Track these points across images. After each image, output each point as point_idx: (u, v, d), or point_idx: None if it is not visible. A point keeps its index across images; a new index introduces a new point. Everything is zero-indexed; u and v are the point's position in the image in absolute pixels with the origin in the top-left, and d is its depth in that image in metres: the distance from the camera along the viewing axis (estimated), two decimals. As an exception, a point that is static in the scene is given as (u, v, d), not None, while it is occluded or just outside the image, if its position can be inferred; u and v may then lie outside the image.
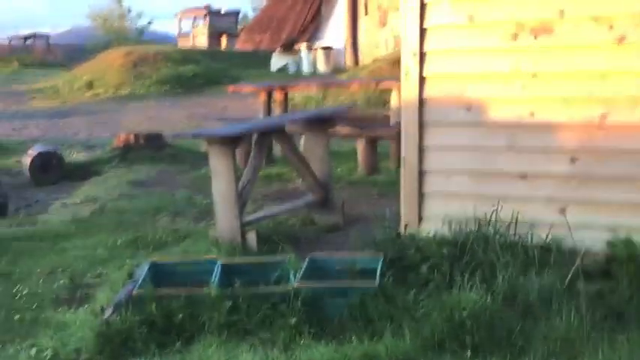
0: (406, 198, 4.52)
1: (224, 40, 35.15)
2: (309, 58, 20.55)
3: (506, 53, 4.27)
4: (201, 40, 35.09)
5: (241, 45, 22.86)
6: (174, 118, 13.08)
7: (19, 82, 22.36)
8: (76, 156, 9.11)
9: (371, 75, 14.70)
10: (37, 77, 23.65)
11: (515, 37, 4.22)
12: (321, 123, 5.68)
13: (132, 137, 8.74)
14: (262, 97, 8.01)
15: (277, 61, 21.94)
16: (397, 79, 10.07)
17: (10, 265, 5.02)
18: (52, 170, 8.02)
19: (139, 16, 46.24)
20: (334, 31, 20.90)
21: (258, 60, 24.02)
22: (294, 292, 3.75)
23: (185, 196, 6.81)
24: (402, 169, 4.54)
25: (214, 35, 35.83)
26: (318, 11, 20.97)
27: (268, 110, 8.04)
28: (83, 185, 7.75)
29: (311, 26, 21.00)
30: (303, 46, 20.66)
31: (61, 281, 4.65)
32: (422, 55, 4.44)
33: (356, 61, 20.61)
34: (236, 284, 3.81)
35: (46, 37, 37.32)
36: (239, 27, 38.50)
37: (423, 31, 4.44)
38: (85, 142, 10.50)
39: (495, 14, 4.28)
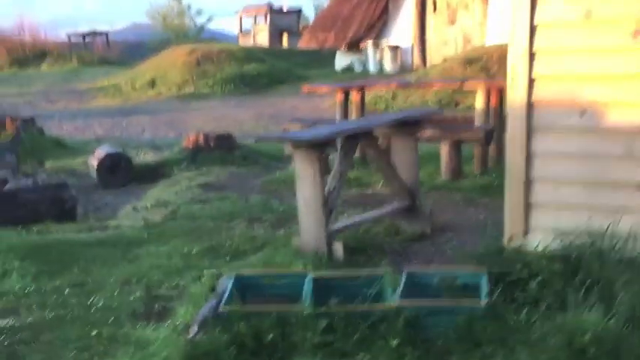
0: (511, 208, 4.22)
1: (285, 39, 35.18)
2: (376, 56, 20.27)
3: (627, 53, 3.95)
4: (262, 39, 35.18)
5: (305, 43, 22.73)
6: (241, 118, 12.98)
7: (79, 80, 22.66)
8: (143, 157, 9.04)
9: (441, 75, 14.35)
10: (97, 75, 23.94)
11: (636, 34, 3.90)
12: (409, 125, 5.42)
13: (201, 138, 8.62)
14: (339, 97, 7.79)
15: (342, 60, 21.73)
16: (476, 78, 9.77)
17: (82, 273, 4.89)
18: (121, 172, 7.95)
19: (199, 13, 46.56)
20: (401, 30, 20.57)
21: (322, 59, 23.89)
22: (396, 310, 3.51)
23: (260, 200, 6.63)
24: (506, 177, 4.25)
25: (275, 33, 35.90)
26: (385, 9, 20.68)
27: (345, 111, 7.81)
28: (152, 188, 7.65)
29: (377, 24, 20.72)
30: (369, 45, 20.40)
31: (137, 293, 4.49)
32: (531, 55, 4.14)
33: (424, 60, 20.24)
34: (331, 301, 3.59)
35: (106, 34, 37.86)
36: (300, 25, 38.57)
37: (532, 28, 4.14)
38: (150, 143, 10.45)
39: (615, 9, 3.96)
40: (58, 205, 6.21)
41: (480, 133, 6.60)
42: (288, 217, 6.09)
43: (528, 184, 4.15)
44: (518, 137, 4.16)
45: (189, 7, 45.72)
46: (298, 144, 4.69)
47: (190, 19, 46.02)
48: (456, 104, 13.57)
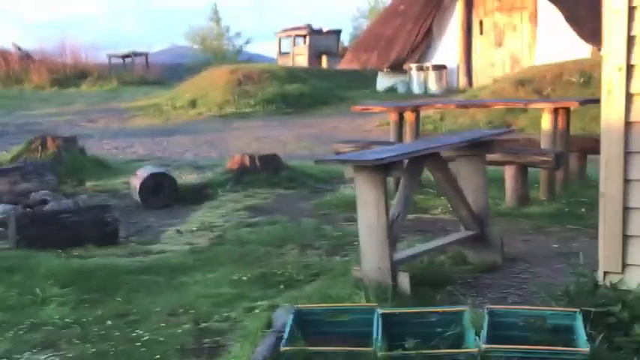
0: (606, 240, 3.77)
1: (324, 60, 35.03)
2: (420, 77, 19.87)
3: None
4: (301, 60, 35.05)
5: (347, 64, 22.41)
6: (283, 138, 12.66)
7: (118, 99, 22.64)
8: (185, 178, 8.73)
9: (492, 96, 13.87)
10: (136, 95, 23.95)
11: None
12: (479, 147, 5.01)
13: (246, 159, 8.29)
14: (393, 117, 7.41)
15: (384, 80, 21.37)
16: (535, 98, 9.24)
17: (125, 303, 4.55)
18: (164, 193, 7.64)
19: (237, 35, 46.87)
20: (446, 51, 20.16)
21: (363, 79, 23.55)
22: (481, 355, 3.10)
23: (312, 225, 6.26)
24: (600, 206, 3.80)
25: (315, 55, 35.79)
26: (429, 30, 20.29)
27: (399, 132, 7.42)
28: (196, 210, 7.33)
29: (421, 45, 20.33)
30: (413, 66, 20.01)
31: (185, 325, 4.14)
32: (629, 69, 3.71)
33: (469, 82, 19.79)
34: (407, 342, 3.18)
35: (145, 55, 38.11)
36: (340, 47, 38.44)
37: (630, 40, 3.71)
38: (192, 163, 10.16)
39: None
40: (99, 227, 5.90)
41: (551, 156, 6.15)
42: (343, 244, 5.71)
43: (626, 213, 3.70)
44: (614, 161, 3.71)
45: (227, 29, 46.10)
46: (362, 166, 4.31)
47: (229, 41, 46.43)
48: (508, 126, 13.09)
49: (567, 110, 6.94)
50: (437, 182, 5.04)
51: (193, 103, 17.72)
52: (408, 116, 7.52)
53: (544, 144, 6.74)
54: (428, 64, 20.07)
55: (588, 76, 13.54)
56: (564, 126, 6.88)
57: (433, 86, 19.65)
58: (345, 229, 6.10)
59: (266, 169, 8.25)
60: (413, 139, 7.48)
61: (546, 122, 6.77)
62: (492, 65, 19.61)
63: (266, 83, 17.45)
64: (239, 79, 17.64)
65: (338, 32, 38.83)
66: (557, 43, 18.15)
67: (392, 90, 20.79)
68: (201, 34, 44.67)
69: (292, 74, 18.84)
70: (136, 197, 7.72)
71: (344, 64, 22.67)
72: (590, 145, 7.30)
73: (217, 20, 45.52)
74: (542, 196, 6.74)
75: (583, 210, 6.34)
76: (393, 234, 4.44)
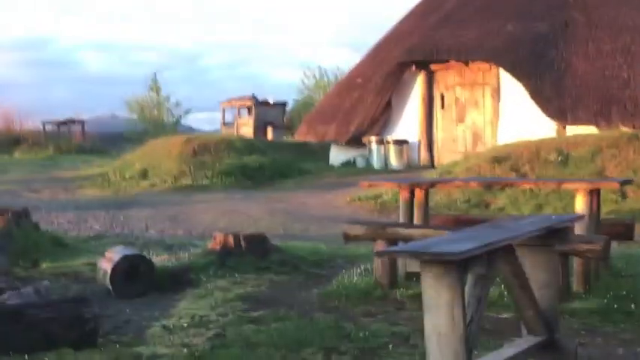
0: None
1: (270, 132, 34.47)
2: (380, 152, 19.35)
3: None
4: (246, 131, 34.36)
5: (302, 136, 21.79)
6: (253, 214, 11.77)
7: (58, 168, 21.47)
8: (157, 259, 7.71)
9: (467, 173, 13.34)
10: (76, 163, 22.81)
11: None
12: (550, 236, 4.26)
13: (230, 239, 7.35)
14: (404, 195, 6.63)
15: (340, 154, 20.79)
16: (567, 178, 8.55)
17: None
18: (139, 279, 6.61)
19: (177, 105, 46.16)
20: (407, 125, 19.77)
21: (312, 152, 23.02)
22: None
23: (328, 322, 5.33)
24: None
25: (260, 126, 35.24)
26: (389, 103, 19.90)
27: (410, 212, 6.65)
28: (179, 300, 6.31)
29: (381, 119, 19.89)
30: (373, 140, 19.51)
31: None
32: None
33: (431, 157, 19.38)
34: None
35: (82, 122, 36.94)
36: (285, 118, 38.02)
37: None
38: (160, 241, 9.14)
39: None
40: (76, 326, 4.85)
41: (599, 245, 5.44)
42: (375, 347, 4.81)
43: None
44: None
45: (167, 98, 45.35)
46: (432, 261, 3.48)
47: (168, 111, 45.61)
48: (487, 205, 12.55)
49: (599, 192, 6.32)
50: (504, 277, 4.24)
51: (144, 174, 16.72)
52: (417, 194, 6.76)
53: (578, 229, 6.04)
54: (389, 138, 19.61)
55: (566, 155, 13.19)
56: (597, 209, 6.24)
57: (394, 161, 19.16)
58: (370, 327, 5.21)
59: (253, 251, 7.32)
60: (422, 221, 6.73)
61: (581, 205, 6.10)
62: (454, 141, 19.29)
63: (223, 154, 16.61)
64: (194, 150, 16.74)
65: (284, 104, 38.49)
66: (520, 119, 17.95)
67: (349, 164, 20.21)
68: (140, 102, 43.77)
69: (250, 145, 18.08)
70: (106, 283, 6.66)
71: (299, 136, 22.05)
72: (618, 231, 6.70)
73: (157, 89, 44.72)
74: (577, 288, 6.02)
75: (633, 306, 5.64)
76: (470, 345, 3.60)
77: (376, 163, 19.35)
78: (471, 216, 8.31)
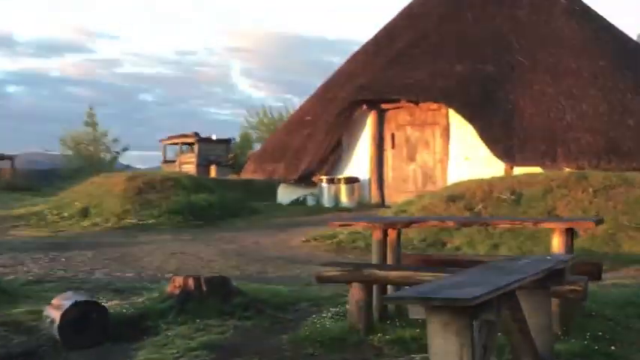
0: None
1: (213, 169, 34.01)
2: (331, 191, 19.16)
3: None
4: (188, 169, 33.87)
5: (250, 174, 21.44)
6: (205, 255, 11.34)
7: (-15, 206, 20.50)
8: (108, 305, 7.24)
9: (423, 212, 13.22)
10: (7, 202, 21.85)
11: None
12: (546, 278, 4.06)
13: (190, 282, 6.95)
14: (377, 235, 6.38)
15: (288, 192, 20.53)
16: (543, 217, 8.40)
17: None
18: (92, 328, 6.15)
19: (115, 142, 45.37)
20: (357, 163, 19.68)
21: (258, 191, 22.71)
22: None
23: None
24: None
25: (203, 164, 34.77)
26: (339, 142, 19.78)
27: (383, 253, 6.38)
28: (138, 350, 5.88)
29: (332, 157, 19.73)
30: (324, 178, 19.31)
31: None
32: None
33: (382, 196, 19.27)
34: None
35: (11, 158, 35.85)
36: (229, 155, 37.64)
37: None
38: (108, 285, 8.63)
39: None
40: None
41: (581, 285, 5.27)
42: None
43: None
44: None
45: (105, 134, 44.53)
46: (440, 308, 3.22)
47: (105, 147, 44.78)
48: (443, 244, 12.42)
49: (573, 231, 6.20)
50: (504, 322, 4.01)
51: (85, 213, 16.07)
52: (390, 234, 6.52)
53: (555, 270, 5.88)
54: (339, 176, 19.44)
55: (519, 194, 13.21)
56: (569, 248, 6.11)
57: (345, 199, 18.98)
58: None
59: (214, 295, 6.92)
60: (395, 262, 6.49)
61: (557, 244, 5.95)
62: (404, 180, 19.25)
63: (170, 192, 16.12)
64: (139, 187, 16.21)
65: (227, 141, 38.15)
66: (470, 159, 18.05)
67: (298, 203, 19.96)
68: (74, 138, 42.73)
69: (198, 183, 17.63)
70: (54, 333, 6.17)
71: (247, 174, 21.70)
72: (588, 270, 6.58)
73: (93, 125, 43.78)
74: (556, 329, 5.83)
75: (613, 348, 5.50)
76: (479, 400, 3.34)
77: (327, 201, 19.13)
78: (442, 256, 8.10)
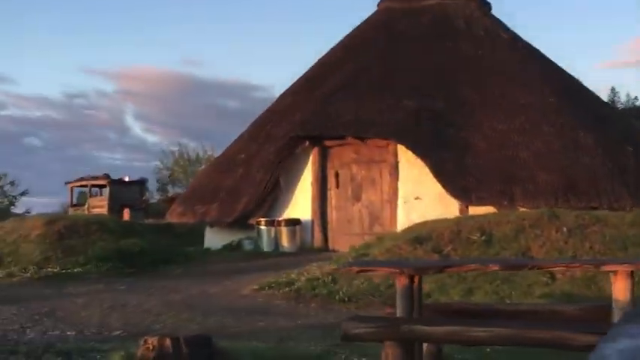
0: None
1: (127, 213, 32.38)
2: (270, 234, 18.10)
3: None
4: (99, 213, 32.10)
5: (178, 217, 20.10)
6: (149, 307, 10.10)
7: None
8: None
9: (387, 255, 12.39)
10: None
11: None
12: None
13: (168, 343, 5.84)
14: (403, 282, 5.44)
15: (219, 236, 19.30)
16: (603, 259, 7.52)
17: None
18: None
19: (12, 184, 43.24)
20: (299, 204, 18.73)
21: (188, 235, 21.50)
22: None
23: None
24: None
25: (116, 207, 33.10)
26: (277, 182, 18.80)
27: (410, 304, 5.46)
28: None
29: (271, 197, 18.72)
30: (262, 220, 18.26)
31: None
32: None
33: (325, 239, 18.36)
34: None
35: None
36: (143, 198, 36.06)
37: None
38: (50, 346, 7.28)
39: None
40: None
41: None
42: None
43: None
44: None
45: (4, 175, 42.43)
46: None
47: (3, 189, 42.78)
48: (428, 296, 11.60)
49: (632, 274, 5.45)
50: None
51: (-2, 261, 14.47)
52: (415, 281, 5.60)
53: (618, 317, 5.11)
54: (279, 218, 18.44)
55: (489, 234, 12.57)
56: (632, 293, 5.36)
57: (286, 243, 17.96)
58: None
59: (197, 358, 5.84)
60: (418, 313, 5.58)
61: (621, 289, 5.18)
62: (349, 222, 18.41)
63: (95, 236, 14.72)
64: (60, 232, 14.73)
65: (142, 182, 36.54)
66: (421, 199, 17.43)
67: (232, 247, 18.77)
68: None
69: (125, 227, 16.28)
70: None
71: (174, 217, 20.35)
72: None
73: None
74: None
75: None
76: None
77: (266, 245, 18.06)
78: (463, 304, 7.18)
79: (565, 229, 12.04)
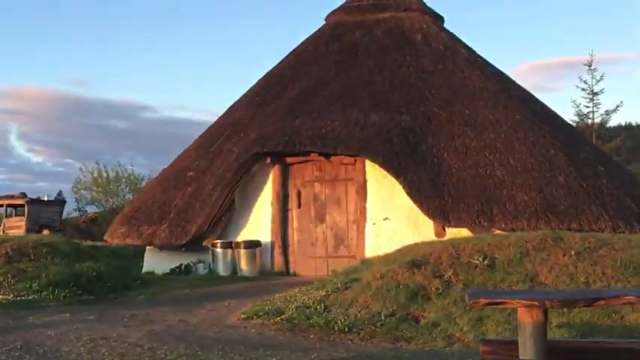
0: None
1: (46, 234, 30.56)
2: (227, 256, 17.06)
3: None
4: (16, 234, 30.17)
5: (120, 239, 18.71)
6: (135, 340, 8.96)
7: None
8: None
9: (384, 282, 11.60)
10: None
11: None
12: None
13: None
14: (535, 317, 4.65)
15: (163, 259, 18.10)
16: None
17: None
18: None
19: None
20: (258, 225, 17.77)
21: (126, 258, 20.25)
22: None
23: None
24: None
25: (34, 228, 31.36)
26: (232, 201, 17.78)
27: (542, 344, 4.68)
28: None
29: (225, 218, 17.68)
30: (218, 242, 17.18)
31: None
32: None
33: (286, 262, 17.45)
34: None
35: None
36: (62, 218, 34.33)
37: None
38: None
39: None
40: None
41: None
42: None
43: None
44: None
45: None
46: None
47: None
48: (416, 319, 10.84)
49: None
50: None
51: None
52: (535, 314, 4.82)
53: None
54: (236, 240, 17.41)
55: (492, 259, 11.94)
56: None
57: (245, 267, 16.97)
58: None
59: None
60: (543, 355, 4.79)
61: None
62: (312, 244, 17.56)
63: (47, 260, 13.35)
64: (8, 255, 13.29)
65: (62, 202, 34.80)
66: (391, 220, 16.78)
67: (181, 272, 17.62)
68: None
69: (78, 249, 14.93)
70: None
71: (115, 239, 18.96)
72: None
73: None
74: None
75: None
76: None
77: (222, 269, 17.00)
78: (587, 342, 6.21)
79: (572, 252, 11.55)
